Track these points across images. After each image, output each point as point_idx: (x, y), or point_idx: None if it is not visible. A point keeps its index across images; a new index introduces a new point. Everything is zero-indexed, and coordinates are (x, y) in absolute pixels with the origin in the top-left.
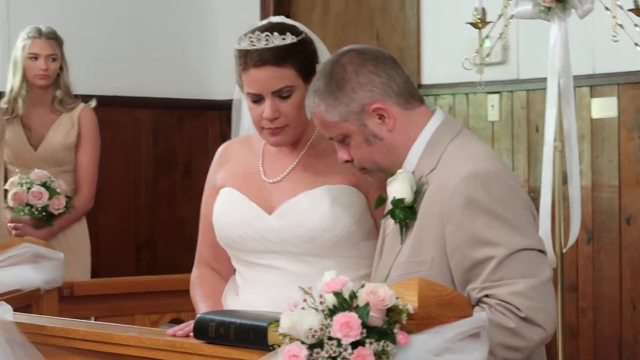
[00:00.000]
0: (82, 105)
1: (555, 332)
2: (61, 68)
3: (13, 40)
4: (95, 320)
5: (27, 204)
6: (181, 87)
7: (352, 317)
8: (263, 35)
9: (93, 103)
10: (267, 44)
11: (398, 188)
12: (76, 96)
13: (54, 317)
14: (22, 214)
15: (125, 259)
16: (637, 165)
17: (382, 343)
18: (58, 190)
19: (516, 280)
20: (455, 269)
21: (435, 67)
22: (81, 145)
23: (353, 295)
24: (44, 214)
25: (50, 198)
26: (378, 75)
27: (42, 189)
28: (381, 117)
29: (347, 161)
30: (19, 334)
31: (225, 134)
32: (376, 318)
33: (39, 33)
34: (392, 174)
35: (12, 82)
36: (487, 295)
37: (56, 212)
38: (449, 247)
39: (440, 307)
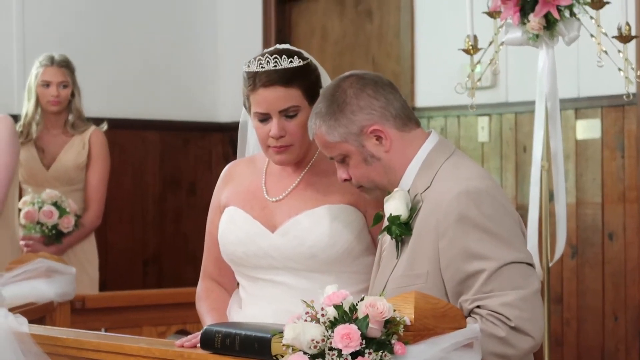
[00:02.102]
0: (93, 127)
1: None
2: (73, 94)
3: (29, 66)
4: (106, 331)
5: (38, 222)
6: (187, 110)
7: (352, 329)
8: (272, 58)
9: (105, 126)
10: (275, 66)
11: (394, 206)
12: (88, 119)
13: (67, 329)
14: (33, 231)
15: (133, 273)
16: (620, 184)
17: (380, 353)
18: (68, 209)
19: (506, 292)
20: (449, 282)
21: (428, 91)
22: (91, 165)
23: (353, 308)
24: (53, 232)
25: (60, 217)
26: (377, 99)
27: (53, 208)
28: (379, 138)
29: (345, 180)
30: (34, 345)
31: (227, 155)
32: (375, 329)
33: (51, 61)
34: (389, 192)
35: (26, 107)
36: (478, 306)
37: (65, 231)
38: (442, 261)
39: (436, 319)
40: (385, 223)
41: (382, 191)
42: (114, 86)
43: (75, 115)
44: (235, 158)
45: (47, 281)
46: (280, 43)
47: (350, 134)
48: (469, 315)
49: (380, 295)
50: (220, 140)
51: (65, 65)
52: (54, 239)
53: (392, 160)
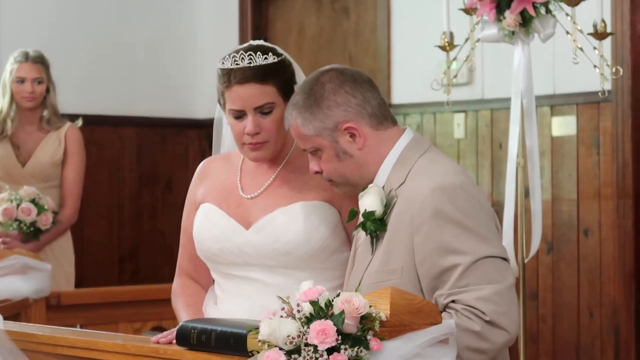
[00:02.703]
0: (68, 124)
1: (517, 337)
2: (48, 90)
3: (3, 62)
4: (81, 328)
5: (16, 219)
6: (163, 106)
7: (327, 325)
8: (246, 54)
9: (79, 122)
10: (250, 63)
11: (369, 201)
12: (63, 115)
13: (43, 325)
14: (10, 228)
15: (109, 269)
16: (595, 180)
17: (356, 349)
18: (46, 206)
19: (481, 286)
20: (424, 277)
21: (404, 88)
22: (67, 161)
23: (329, 304)
24: (32, 229)
25: (38, 214)
26: (354, 96)
27: (31, 206)
28: (352, 135)
29: (316, 172)
30: (10, 342)
31: (204, 151)
32: (351, 325)
33: (26, 57)
34: (363, 188)
35: (1, 104)
36: (453, 301)
37: (43, 228)
38: (417, 256)
39: (412, 315)
40: (360, 219)
41: (352, 186)
42: (90, 82)
43: (50, 111)
44: (212, 154)
45: (23, 278)
46: (257, 39)
47: (325, 129)
48: (444, 310)
49: (355, 291)
50: (197, 137)
51: (40, 61)
52: (31, 236)
53: (365, 158)
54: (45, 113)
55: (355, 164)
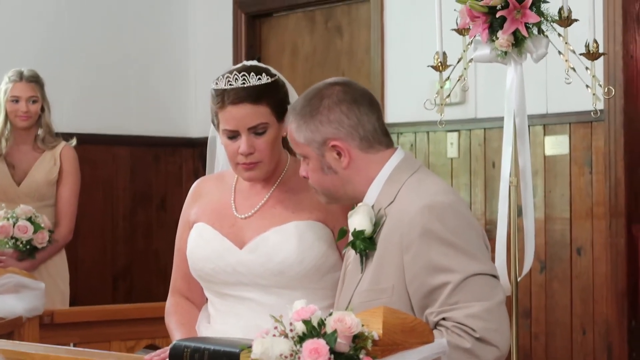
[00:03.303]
0: (63, 143)
1: (511, 355)
2: (42, 109)
3: None
4: (75, 346)
5: (12, 237)
6: (157, 125)
7: (320, 344)
8: (240, 75)
9: (74, 142)
10: (244, 84)
11: (358, 220)
12: (57, 134)
13: (37, 344)
14: (7, 246)
15: (103, 288)
16: (588, 199)
17: None
18: (42, 225)
19: (471, 304)
20: (414, 295)
21: (397, 107)
22: (62, 181)
23: (321, 323)
24: (28, 247)
25: (34, 232)
26: (348, 117)
27: (28, 224)
28: (339, 154)
29: (304, 177)
30: None
31: (198, 170)
32: (343, 344)
33: (20, 77)
34: (353, 207)
35: None
36: (444, 319)
37: (40, 246)
38: (407, 275)
39: (404, 334)
40: (350, 238)
41: (335, 199)
42: (84, 101)
43: (45, 130)
44: (205, 174)
45: (16, 296)
46: (251, 59)
47: (314, 141)
48: (435, 327)
49: (346, 310)
50: (190, 156)
51: (35, 80)
52: (27, 254)
53: (350, 177)
54: (40, 132)
55: (339, 181)
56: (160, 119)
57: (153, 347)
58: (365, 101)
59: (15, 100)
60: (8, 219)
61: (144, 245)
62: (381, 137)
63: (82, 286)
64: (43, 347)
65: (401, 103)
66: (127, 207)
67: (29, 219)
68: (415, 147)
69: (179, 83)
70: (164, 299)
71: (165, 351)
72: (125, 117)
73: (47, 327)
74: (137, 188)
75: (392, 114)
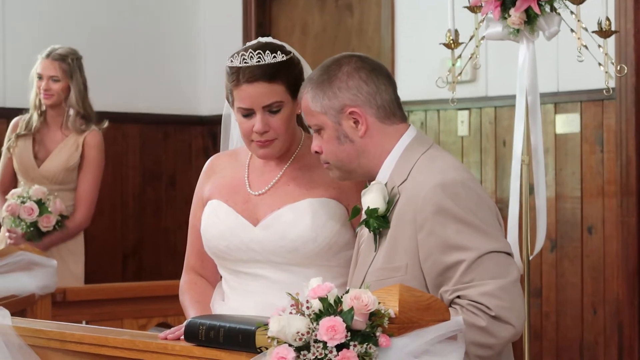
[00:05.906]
0: (92, 127)
1: (522, 334)
2: (69, 89)
3: (9, 61)
4: (87, 324)
5: (18, 217)
6: (167, 103)
7: (337, 321)
8: (255, 53)
9: (105, 123)
10: (259, 62)
11: (372, 199)
12: (93, 118)
13: (50, 321)
14: (13, 225)
15: (113, 266)
16: (599, 178)
17: (365, 345)
18: (50, 209)
19: (486, 282)
20: (428, 274)
21: (408, 85)
22: (83, 168)
23: (338, 301)
24: (31, 229)
25: (40, 215)
26: (367, 84)
27: (34, 206)
28: (356, 121)
29: (317, 152)
30: (18, 338)
31: (207, 148)
32: (360, 322)
33: (48, 54)
34: (366, 185)
35: (30, 98)
36: (459, 297)
37: (44, 230)
38: (421, 253)
39: (420, 312)
40: (363, 216)
41: (348, 173)
42: (94, 79)
43: (75, 112)
44: (215, 151)
45: (29, 274)
46: (260, 37)
47: (331, 108)
48: (450, 305)
49: (364, 287)
50: (200, 134)
51: (60, 59)
52: (32, 236)
53: (366, 146)
54: (71, 113)
55: (354, 150)
56: (170, 97)
57: (165, 325)
58: (382, 72)
59: (40, 77)
60: (20, 198)
61: (154, 223)
62: (396, 109)
63: (91, 264)
64: (57, 325)
65: (412, 81)
66: (136, 185)
67: (39, 202)
68: (425, 125)
69: (189, 61)
70: (174, 277)
71: (180, 328)
72: (134, 95)
73: (59, 304)
74: (147, 166)
75: (403, 92)
